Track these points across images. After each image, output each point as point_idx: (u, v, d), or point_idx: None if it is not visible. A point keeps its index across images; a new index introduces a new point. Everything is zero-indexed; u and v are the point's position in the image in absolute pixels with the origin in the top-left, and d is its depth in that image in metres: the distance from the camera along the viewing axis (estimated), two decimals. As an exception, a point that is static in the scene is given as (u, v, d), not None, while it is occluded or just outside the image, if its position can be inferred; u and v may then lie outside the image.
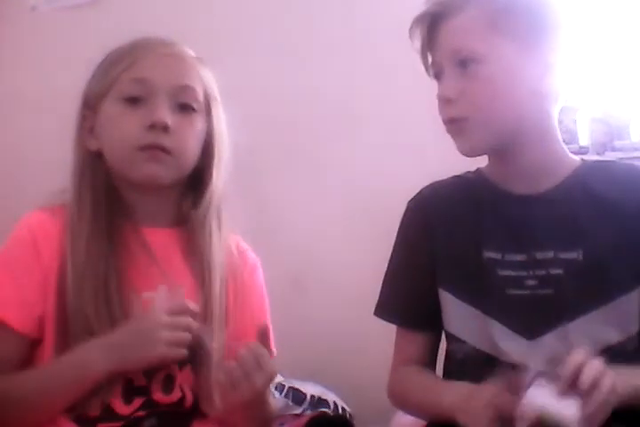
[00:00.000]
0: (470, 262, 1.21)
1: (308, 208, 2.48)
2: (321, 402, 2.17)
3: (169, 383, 1.20)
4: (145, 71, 1.24)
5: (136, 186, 1.25)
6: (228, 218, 1.34)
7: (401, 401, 1.30)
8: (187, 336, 1.15)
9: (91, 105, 1.26)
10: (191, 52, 1.31)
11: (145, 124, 1.20)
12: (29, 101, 2.90)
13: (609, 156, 2.08)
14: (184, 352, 1.15)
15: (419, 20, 1.22)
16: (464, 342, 1.21)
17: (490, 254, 1.20)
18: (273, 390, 2.11)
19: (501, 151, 1.20)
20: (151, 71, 1.24)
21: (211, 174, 1.30)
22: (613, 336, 1.13)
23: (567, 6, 1.24)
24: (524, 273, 1.17)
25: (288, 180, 2.52)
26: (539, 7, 1.18)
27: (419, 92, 2.16)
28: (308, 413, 2.10)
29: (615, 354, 1.11)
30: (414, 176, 2.21)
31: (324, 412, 2.11)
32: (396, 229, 2.41)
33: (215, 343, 1.22)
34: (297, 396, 2.16)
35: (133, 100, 1.22)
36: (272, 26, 2.58)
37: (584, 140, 2.16)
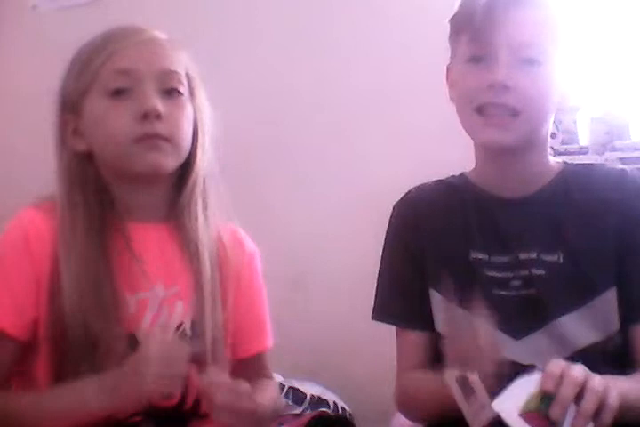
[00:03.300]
0: (458, 263, 1.23)
1: (308, 208, 2.48)
2: (321, 402, 2.17)
3: None
4: (126, 61, 1.20)
5: (132, 181, 1.23)
6: (215, 200, 1.31)
7: (411, 407, 1.30)
8: (179, 370, 1.09)
9: (71, 106, 1.23)
10: (164, 36, 1.28)
11: (137, 115, 1.17)
12: (29, 100, 2.90)
13: (609, 156, 2.08)
14: (177, 387, 1.10)
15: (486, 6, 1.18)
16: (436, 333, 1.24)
17: (477, 255, 1.22)
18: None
19: (502, 155, 1.22)
20: (132, 60, 1.20)
21: (195, 155, 1.26)
22: (595, 336, 1.15)
23: (568, 8, 1.25)
24: (509, 274, 1.20)
25: (288, 179, 2.52)
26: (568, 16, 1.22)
27: (420, 93, 2.17)
28: (308, 413, 2.10)
29: (596, 354, 1.14)
30: (414, 176, 2.22)
31: (325, 412, 2.11)
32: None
33: (213, 336, 1.23)
34: (297, 396, 2.16)
35: (119, 93, 1.19)
36: (273, 26, 2.58)
37: (584, 140, 2.16)
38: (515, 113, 1.16)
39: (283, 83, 2.52)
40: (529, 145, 1.21)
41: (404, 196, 1.34)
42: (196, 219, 1.26)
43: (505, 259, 1.20)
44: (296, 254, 2.48)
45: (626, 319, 1.15)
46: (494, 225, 1.22)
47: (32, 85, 2.90)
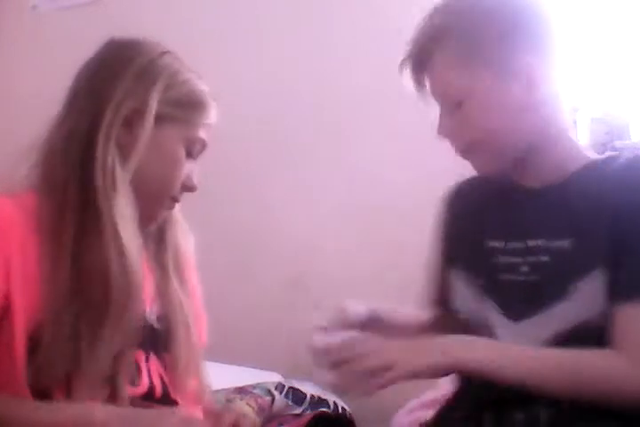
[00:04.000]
0: (475, 249, 1.29)
1: (308, 208, 2.48)
2: (321, 402, 2.16)
3: (134, 372, 1.21)
4: (207, 131, 1.27)
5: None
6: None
7: None
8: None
9: (146, 113, 1.21)
10: None
11: (189, 180, 1.26)
12: (29, 100, 2.91)
13: (609, 156, 2.08)
14: None
15: (402, 66, 1.29)
16: (465, 318, 1.28)
17: (493, 243, 1.27)
18: (273, 389, 2.12)
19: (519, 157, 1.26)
20: (208, 134, 1.28)
21: None
22: (581, 317, 1.16)
23: (546, 12, 1.24)
24: (519, 260, 1.23)
25: (288, 179, 2.53)
26: (499, 28, 1.20)
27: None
28: (308, 413, 2.10)
29: (587, 332, 1.15)
30: (413, 176, 2.22)
31: (325, 412, 2.11)
32: (396, 229, 2.42)
33: (184, 331, 1.28)
34: (297, 396, 2.16)
35: (193, 151, 1.26)
36: (274, 26, 2.59)
37: (584, 141, 2.16)
38: (473, 151, 1.24)
39: (283, 83, 2.53)
40: (526, 149, 1.23)
41: (451, 185, 1.42)
42: (177, 230, 1.33)
43: (517, 245, 1.24)
44: (296, 254, 2.48)
45: (609, 301, 1.15)
46: (510, 212, 1.27)
47: (32, 85, 2.91)
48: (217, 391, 1.98)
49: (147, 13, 2.70)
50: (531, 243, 1.22)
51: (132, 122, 1.20)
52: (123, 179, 1.18)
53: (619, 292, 1.13)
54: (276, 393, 2.12)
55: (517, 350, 1.15)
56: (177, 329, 1.27)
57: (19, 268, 1.13)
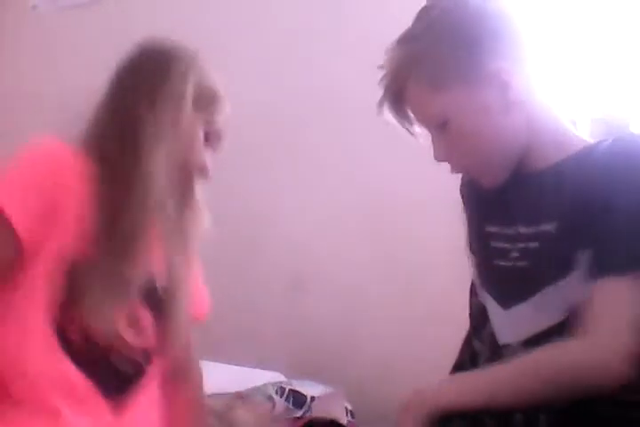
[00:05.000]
0: (476, 233, 1.32)
1: (307, 208, 2.48)
2: (321, 403, 2.16)
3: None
4: (222, 125, 1.41)
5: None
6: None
7: None
8: None
9: (196, 99, 1.36)
10: None
11: (205, 164, 1.37)
12: (30, 100, 2.91)
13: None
14: None
15: (381, 102, 1.28)
16: (476, 294, 1.32)
17: (489, 228, 1.29)
18: (274, 394, 2.12)
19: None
20: (222, 128, 1.41)
21: None
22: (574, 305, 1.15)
23: (511, 14, 1.24)
24: (510, 246, 1.24)
25: (288, 179, 2.53)
26: (463, 42, 1.20)
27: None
28: (309, 415, 2.10)
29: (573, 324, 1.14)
30: (413, 175, 2.22)
31: (317, 417, 2.10)
32: (395, 227, 2.41)
33: (184, 297, 1.35)
34: (297, 399, 2.15)
35: (206, 137, 1.37)
36: (274, 25, 2.59)
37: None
38: (472, 165, 1.25)
39: (283, 84, 2.53)
40: (521, 149, 1.24)
41: None
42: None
43: (509, 231, 1.25)
44: (296, 254, 2.48)
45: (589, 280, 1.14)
46: (504, 198, 1.28)
47: (32, 85, 2.91)
48: (218, 396, 1.99)
49: (146, 14, 2.70)
50: (521, 229, 1.23)
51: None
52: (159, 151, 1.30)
53: (595, 269, 1.12)
54: (276, 398, 2.12)
55: (484, 373, 1.15)
56: (178, 294, 1.34)
57: (68, 209, 1.23)
